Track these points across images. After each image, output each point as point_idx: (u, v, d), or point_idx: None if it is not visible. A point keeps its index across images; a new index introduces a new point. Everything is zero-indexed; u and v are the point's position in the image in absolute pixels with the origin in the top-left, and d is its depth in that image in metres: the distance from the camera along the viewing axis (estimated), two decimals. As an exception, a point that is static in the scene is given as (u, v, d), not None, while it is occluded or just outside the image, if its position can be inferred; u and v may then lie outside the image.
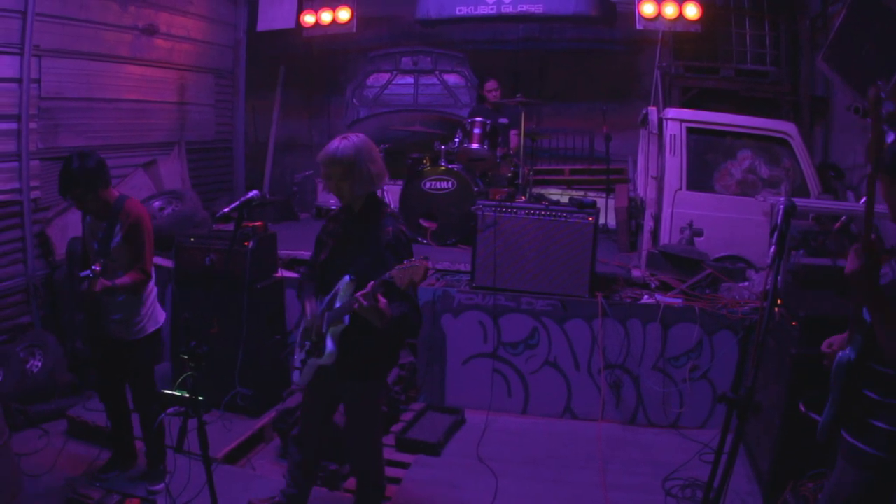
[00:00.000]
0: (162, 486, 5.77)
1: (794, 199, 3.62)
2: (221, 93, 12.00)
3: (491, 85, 10.44)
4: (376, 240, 4.45)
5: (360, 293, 4.07)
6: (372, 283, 4.08)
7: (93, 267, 5.19)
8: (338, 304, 4.39)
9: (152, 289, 5.86)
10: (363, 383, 4.69)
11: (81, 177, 5.37)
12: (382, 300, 4.08)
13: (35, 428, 6.88)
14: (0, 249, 7.80)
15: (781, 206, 3.39)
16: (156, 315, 5.91)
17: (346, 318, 4.36)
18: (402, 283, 3.98)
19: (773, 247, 3.29)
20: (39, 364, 7.36)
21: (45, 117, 8.22)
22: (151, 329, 5.84)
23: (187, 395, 4.01)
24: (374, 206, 4.63)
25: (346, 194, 4.53)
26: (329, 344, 4.42)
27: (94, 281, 5.15)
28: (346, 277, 4.36)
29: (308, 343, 4.64)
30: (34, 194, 8.08)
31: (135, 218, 5.55)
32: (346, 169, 4.43)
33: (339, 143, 4.47)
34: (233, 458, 6.44)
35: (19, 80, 7.82)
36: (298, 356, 4.75)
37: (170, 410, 4.12)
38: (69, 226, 8.36)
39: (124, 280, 5.45)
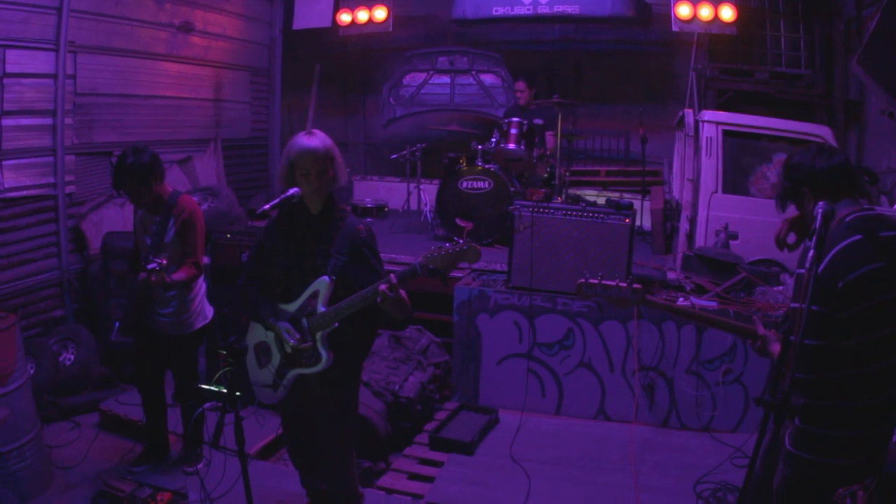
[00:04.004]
0: (199, 466, 5.91)
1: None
2: (257, 91, 12.06)
3: (519, 86, 10.40)
4: (349, 238, 4.30)
5: (381, 285, 3.99)
6: (393, 274, 4.02)
7: (159, 259, 5.22)
8: (321, 308, 4.24)
9: (202, 284, 5.93)
10: (345, 389, 4.53)
11: (136, 171, 5.43)
12: (402, 290, 4.02)
13: (67, 420, 6.97)
14: (34, 243, 7.88)
15: (820, 210, 3.34)
16: (204, 311, 5.99)
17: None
18: (445, 269, 3.94)
19: (811, 251, 3.25)
20: (72, 357, 7.42)
21: (81, 113, 8.31)
22: (199, 325, 5.92)
23: (225, 391, 4.00)
24: (335, 205, 4.42)
25: (316, 191, 4.27)
26: (323, 350, 4.28)
27: (159, 274, 5.17)
28: (325, 278, 4.24)
29: (278, 358, 4.49)
30: (69, 189, 8.16)
31: (189, 213, 5.64)
32: (328, 163, 4.24)
33: (315, 139, 4.25)
34: (266, 453, 6.51)
35: (55, 76, 7.90)
36: (264, 375, 4.57)
37: (207, 406, 4.09)
38: (104, 221, 8.45)
39: (179, 276, 5.50)
